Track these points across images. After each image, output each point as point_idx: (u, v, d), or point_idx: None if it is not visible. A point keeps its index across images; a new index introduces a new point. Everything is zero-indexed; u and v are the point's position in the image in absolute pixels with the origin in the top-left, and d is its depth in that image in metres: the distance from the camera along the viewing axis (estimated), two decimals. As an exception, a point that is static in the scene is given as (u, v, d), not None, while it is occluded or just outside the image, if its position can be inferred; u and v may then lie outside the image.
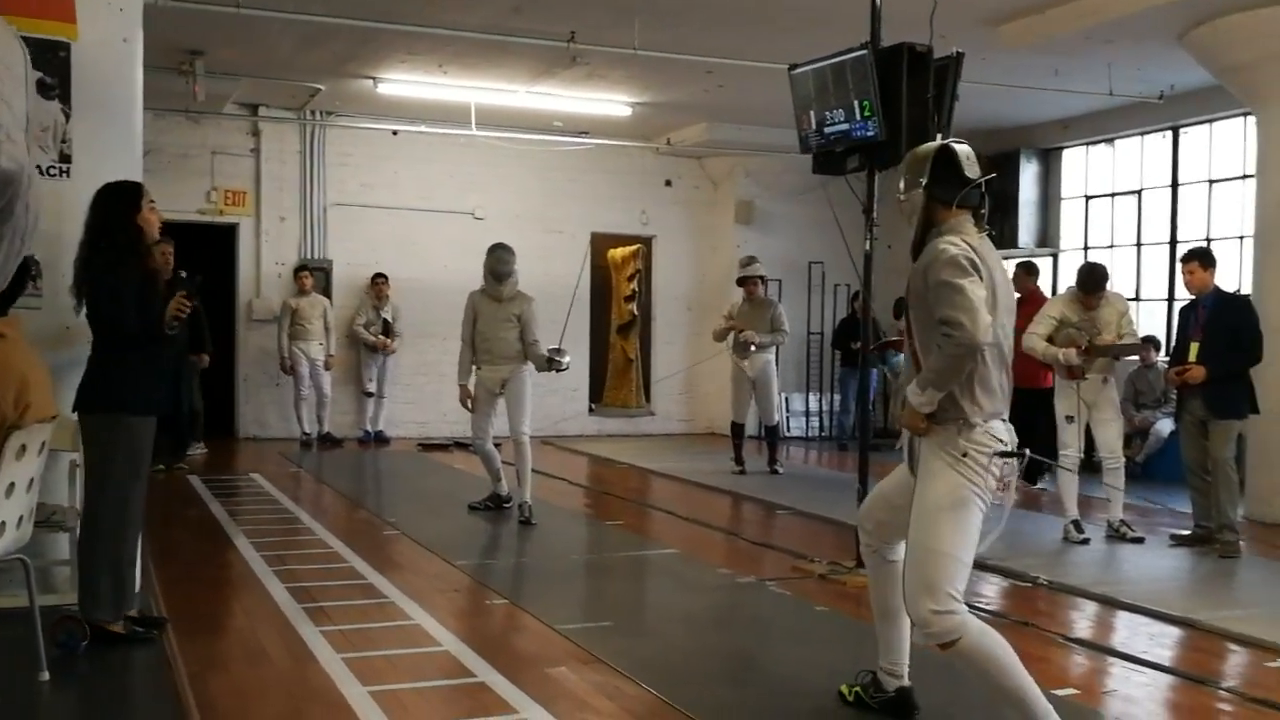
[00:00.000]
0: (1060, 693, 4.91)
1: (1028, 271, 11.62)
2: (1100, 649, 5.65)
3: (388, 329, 14.27)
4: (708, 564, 7.55)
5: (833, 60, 7.07)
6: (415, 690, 4.74)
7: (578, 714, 4.49)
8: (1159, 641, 5.81)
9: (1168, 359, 11.63)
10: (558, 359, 8.96)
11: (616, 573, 7.59)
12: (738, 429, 12.19)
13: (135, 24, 6.32)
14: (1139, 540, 8.29)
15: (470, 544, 8.14)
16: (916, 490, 4.09)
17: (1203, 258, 8.13)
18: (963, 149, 4.27)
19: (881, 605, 4.56)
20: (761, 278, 12.11)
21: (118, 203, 5.31)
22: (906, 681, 4.54)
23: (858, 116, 6.88)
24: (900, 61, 6.68)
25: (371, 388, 14.42)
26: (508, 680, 4.88)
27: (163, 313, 5.30)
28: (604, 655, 5.27)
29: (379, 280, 14.33)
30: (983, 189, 4.24)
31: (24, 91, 1.53)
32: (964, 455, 3.99)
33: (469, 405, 9.13)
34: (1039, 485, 10.96)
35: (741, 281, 12.05)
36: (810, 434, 16.31)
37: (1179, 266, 8.55)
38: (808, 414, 16.45)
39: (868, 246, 7.25)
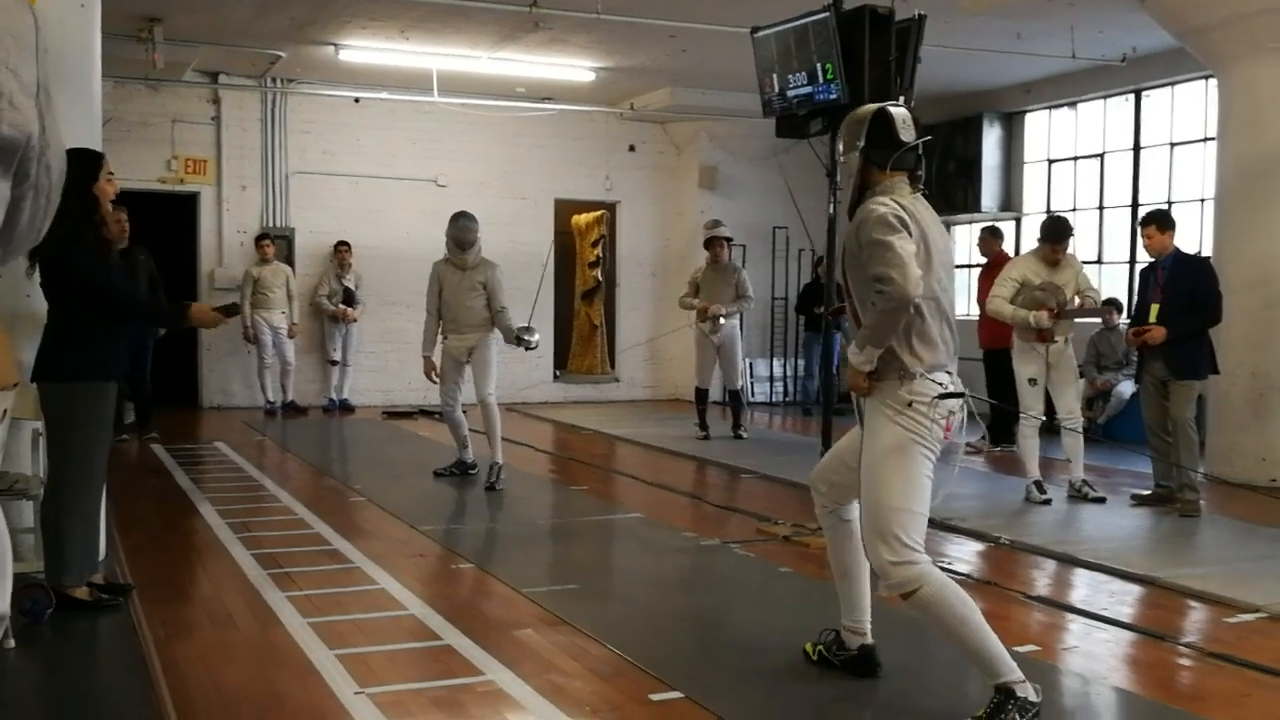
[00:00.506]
0: (1021, 649, 4.97)
1: (993, 235, 11.68)
2: (1061, 606, 5.72)
3: (350, 297, 14.20)
4: (672, 527, 7.58)
5: (796, 23, 7.07)
6: (382, 653, 4.76)
7: (543, 675, 4.51)
8: (1120, 599, 5.89)
9: (1129, 321, 11.76)
10: (526, 338, 9.01)
11: (582, 537, 7.61)
12: (701, 394, 12.22)
13: (91, -11, 6.23)
14: (1100, 500, 8.37)
15: (436, 510, 8.14)
16: (864, 446, 4.16)
17: (1160, 220, 8.18)
18: (899, 112, 4.32)
19: (840, 565, 4.63)
20: (727, 239, 12.09)
21: (75, 171, 5.24)
22: (869, 639, 4.61)
23: (820, 79, 6.88)
24: (863, 24, 6.69)
25: (336, 356, 14.36)
26: (473, 643, 4.90)
27: (119, 281, 5.29)
28: (569, 617, 5.30)
29: (341, 248, 14.24)
30: (919, 151, 4.31)
31: (34, 60, 1.57)
32: (907, 406, 4.04)
33: (434, 377, 9.13)
34: (1000, 447, 11.04)
35: (708, 244, 12.04)
36: (774, 399, 16.37)
37: (1139, 230, 8.61)
38: (772, 379, 16.50)
39: (831, 210, 7.25)
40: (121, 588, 5.57)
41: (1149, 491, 8.35)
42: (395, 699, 4.21)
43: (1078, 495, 8.49)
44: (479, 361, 9.01)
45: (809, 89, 7.00)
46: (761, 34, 7.39)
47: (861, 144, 4.29)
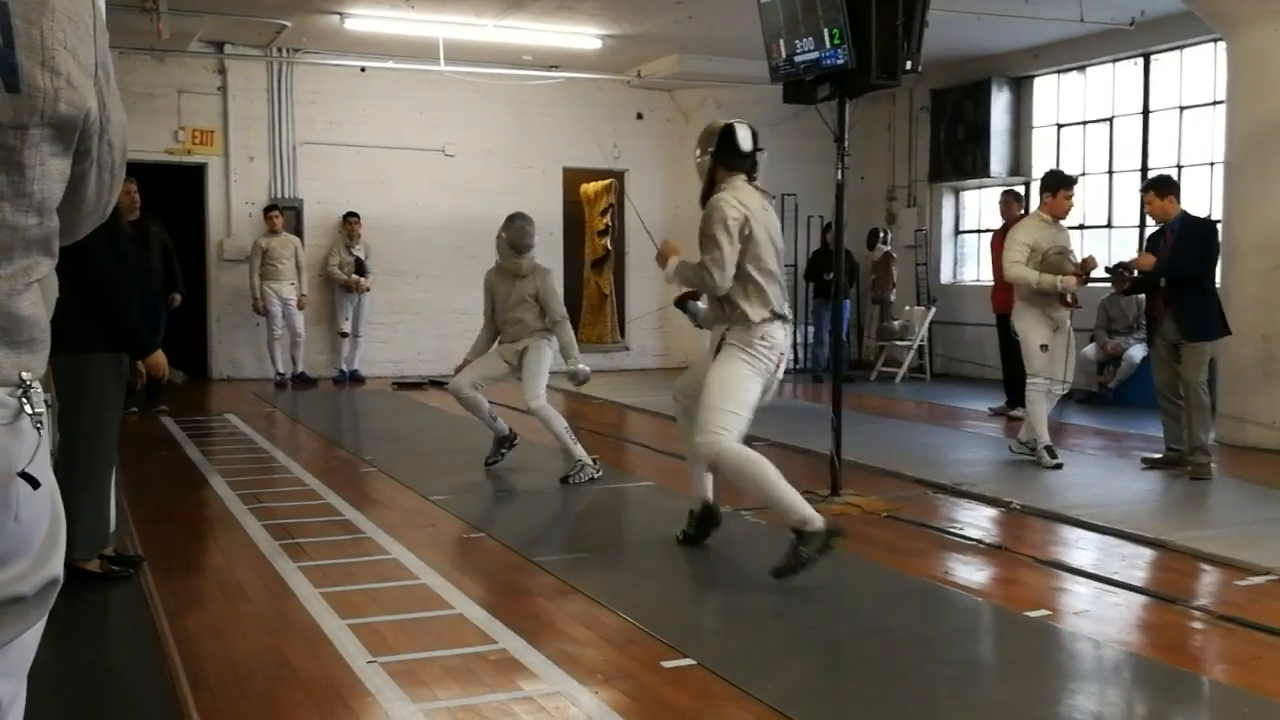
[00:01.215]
0: (1032, 614, 4.99)
1: (1015, 199, 11.60)
2: (1072, 570, 5.72)
3: (360, 268, 14.19)
4: (683, 495, 7.53)
5: (802, -12, 7.01)
6: (394, 623, 4.78)
7: (555, 643, 4.53)
8: (1130, 562, 5.89)
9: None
10: (577, 373, 8.30)
11: (594, 506, 7.62)
12: None
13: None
14: (1057, 466, 8.26)
15: (448, 480, 8.14)
16: (711, 368, 5.55)
17: (1158, 186, 8.17)
18: (742, 130, 5.68)
19: (691, 451, 5.89)
20: None
21: None
22: (710, 498, 6.06)
23: (827, 45, 6.83)
24: (870, -12, 6.62)
25: (346, 327, 14.36)
26: (485, 611, 4.91)
27: (129, 251, 5.29)
28: (581, 586, 5.31)
29: (351, 219, 14.22)
30: (754, 158, 5.69)
31: (92, 39, 1.63)
32: (749, 345, 5.47)
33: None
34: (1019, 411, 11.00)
35: None
36: (787, 366, 16.33)
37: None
38: (783, 346, 16.46)
39: (840, 177, 7.22)
40: (132, 559, 5.60)
41: (1160, 455, 8.34)
42: (407, 668, 4.22)
43: (1029, 452, 8.49)
44: (531, 365, 8.17)
45: (816, 54, 6.95)
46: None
47: (712, 149, 5.64)
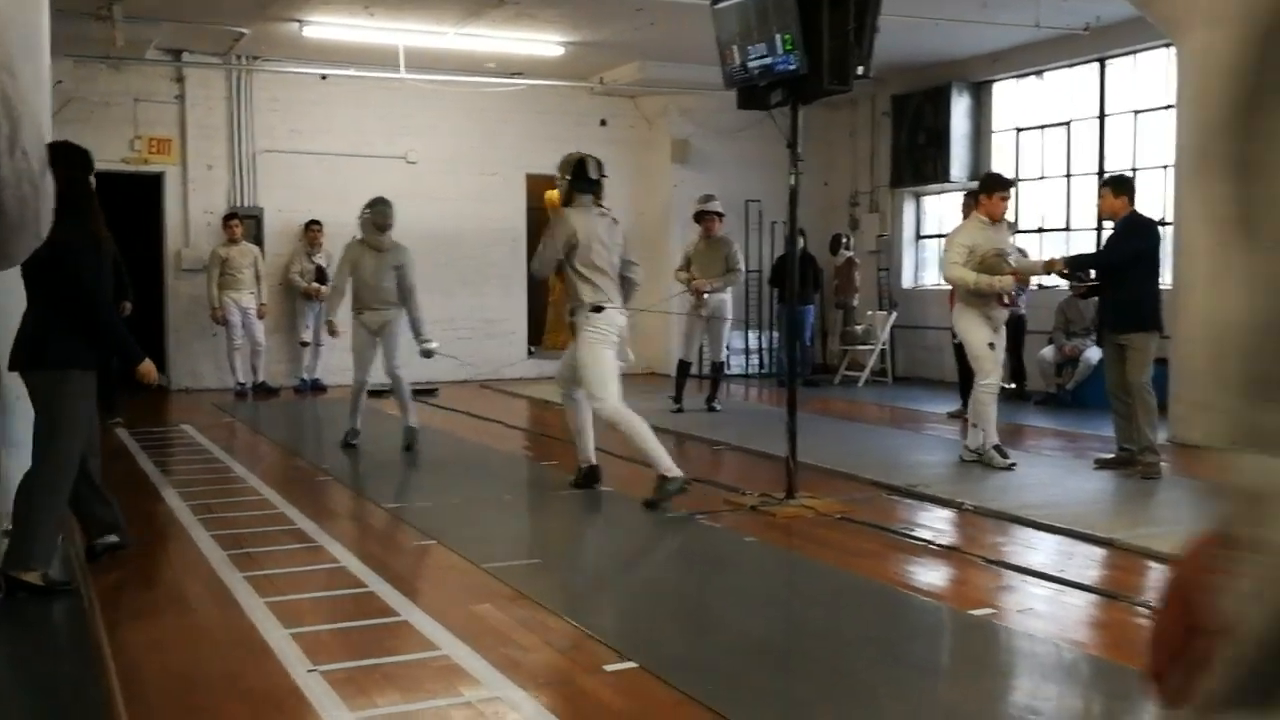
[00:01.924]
0: (978, 613, 5.01)
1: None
2: (1020, 570, 5.74)
3: (322, 276, 14.11)
4: (639, 500, 7.57)
5: (754, -6, 7.03)
6: (337, 631, 4.76)
7: (499, 649, 4.51)
8: (1079, 561, 5.92)
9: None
10: (426, 346, 9.50)
11: (549, 512, 7.62)
12: (684, 367, 12.20)
13: (38, -34, 6.18)
14: (1009, 467, 8.27)
15: (404, 488, 8.13)
16: (576, 349, 7.31)
17: (1113, 185, 8.34)
18: (590, 162, 7.44)
19: (574, 423, 7.74)
20: (719, 214, 12.05)
21: (73, 164, 5.25)
22: (594, 461, 7.72)
23: (780, 50, 6.85)
24: (820, -7, 6.65)
25: (307, 336, 14.27)
26: (431, 618, 4.89)
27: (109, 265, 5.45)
28: (529, 591, 5.30)
29: (313, 227, 14.15)
30: (599, 184, 7.47)
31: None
32: (589, 322, 7.20)
33: (335, 331, 9.91)
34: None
35: (699, 218, 12.02)
36: (750, 371, 16.38)
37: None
38: (747, 351, 16.50)
39: (793, 182, 7.24)
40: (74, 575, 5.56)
41: (1112, 455, 8.39)
42: (348, 676, 4.21)
43: (977, 457, 8.44)
44: (391, 337, 9.38)
45: (769, 60, 6.96)
46: (722, 5, 7.35)
47: (569, 177, 7.39)
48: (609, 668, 4.29)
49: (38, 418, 5.23)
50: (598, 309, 7.19)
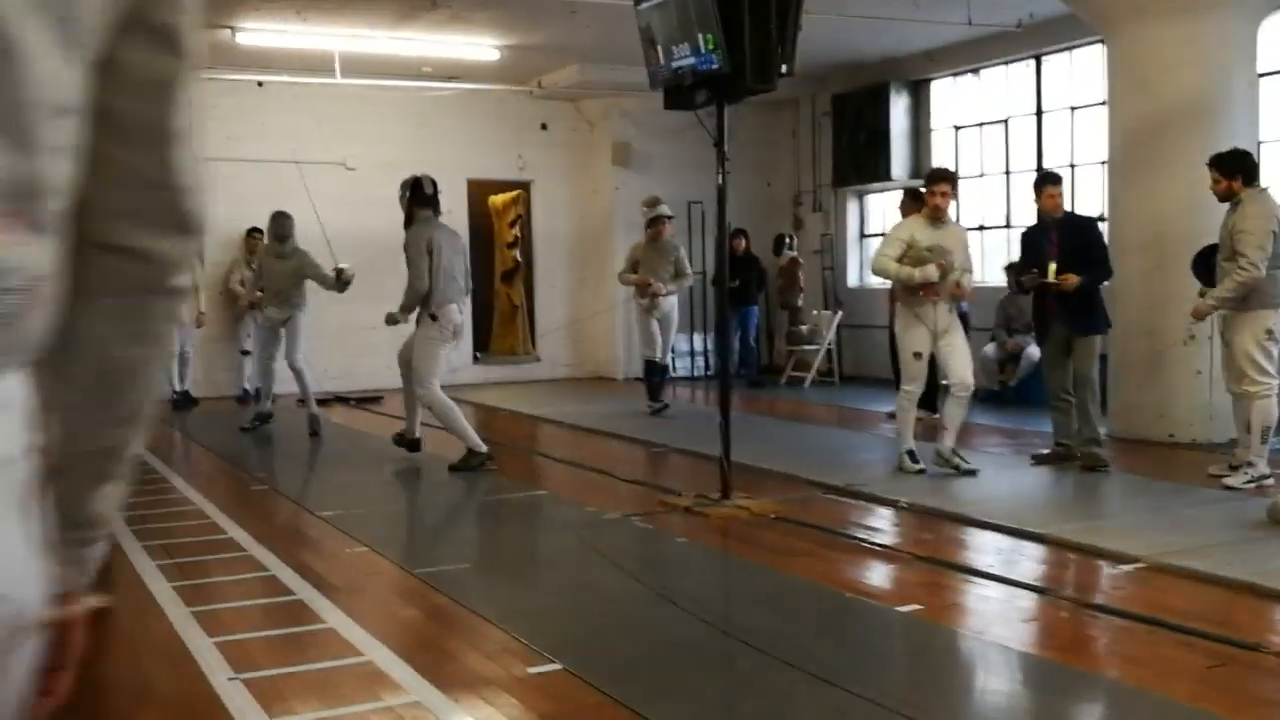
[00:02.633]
0: (903, 609, 5.03)
1: (915, 199, 11.03)
2: (947, 565, 5.78)
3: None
4: (575, 503, 7.56)
5: (677, -6, 7.04)
6: (261, 639, 4.72)
7: (424, 654, 4.49)
8: (1007, 556, 5.96)
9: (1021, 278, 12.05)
10: (343, 271, 10.61)
11: (483, 516, 7.61)
12: (656, 368, 12.13)
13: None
14: (972, 473, 7.93)
15: (337, 496, 8.06)
16: (414, 341, 8.52)
17: (1055, 180, 8.41)
18: (425, 180, 8.58)
19: (407, 404, 8.86)
20: (669, 217, 12.07)
21: None
22: (419, 435, 8.78)
23: (703, 50, 6.85)
24: (742, -8, 6.66)
25: (248, 345, 14.14)
26: (355, 623, 4.86)
27: None
28: (459, 597, 5.27)
29: (253, 235, 14.03)
30: (435, 199, 8.63)
31: None
32: (432, 320, 8.39)
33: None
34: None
35: (651, 223, 11.98)
36: (695, 373, 16.40)
37: (1040, 189, 8.46)
38: (692, 353, 16.51)
39: (720, 181, 7.25)
40: None
41: (1048, 451, 8.45)
42: (269, 683, 4.17)
43: (945, 464, 8.01)
44: (293, 330, 10.96)
45: (692, 60, 6.96)
46: (644, 6, 7.36)
47: (408, 194, 8.53)
48: (533, 670, 4.28)
49: None
50: (441, 306, 8.41)
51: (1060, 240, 8.18)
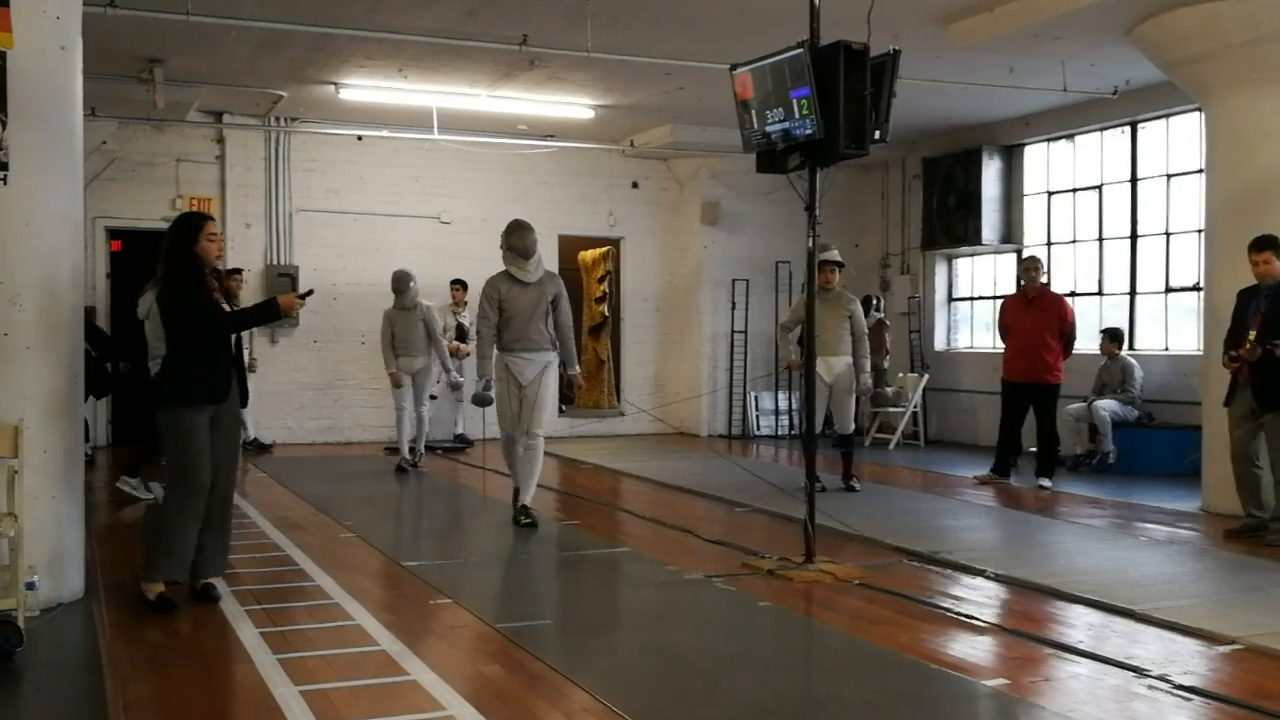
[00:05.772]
0: (990, 683, 4.96)
1: (1035, 266, 11.41)
2: (1039, 640, 5.67)
3: (462, 333, 14.24)
4: (656, 561, 7.56)
5: (772, 59, 7.10)
6: (346, 689, 4.77)
7: (505, 710, 4.51)
8: (1101, 633, 5.84)
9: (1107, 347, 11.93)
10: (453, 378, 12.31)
11: (565, 571, 7.61)
12: (844, 440, 10.86)
13: (74, 32, 6.34)
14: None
15: (422, 546, 8.16)
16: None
17: (1275, 246, 8.19)
18: (517, 224, 8.78)
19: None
20: (839, 264, 10.62)
21: (178, 233, 6.06)
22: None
23: (796, 115, 6.91)
24: (837, 59, 6.70)
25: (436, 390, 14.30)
26: (439, 678, 4.90)
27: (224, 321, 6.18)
28: (539, 652, 5.29)
29: (455, 287, 14.52)
30: (523, 248, 8.65)
31: None
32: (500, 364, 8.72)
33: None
34: (1042, 484, 10.98)
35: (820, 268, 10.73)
36: (780, 432, 16.35)
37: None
38: (776, 412, 16.50)
39: (810, 244, 7.27)
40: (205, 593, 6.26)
41: (1239, 526, 8.42)
42: (352, 734, 4.21)
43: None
44: (424, 377, 12.07)
45: (786, 125, 7.03)
46: (739, 70, 7.44)
47: (505, 243, 8.70)
48: (614, 732, 4.28)
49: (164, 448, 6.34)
50: (506, 351, 8.75)
51: (1269, 309, 8.14)
